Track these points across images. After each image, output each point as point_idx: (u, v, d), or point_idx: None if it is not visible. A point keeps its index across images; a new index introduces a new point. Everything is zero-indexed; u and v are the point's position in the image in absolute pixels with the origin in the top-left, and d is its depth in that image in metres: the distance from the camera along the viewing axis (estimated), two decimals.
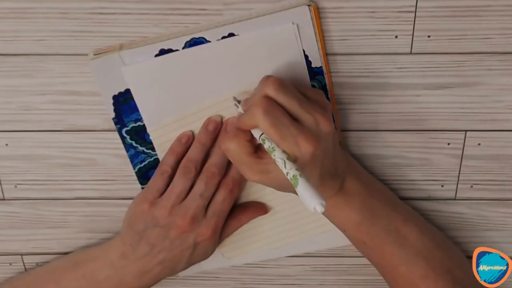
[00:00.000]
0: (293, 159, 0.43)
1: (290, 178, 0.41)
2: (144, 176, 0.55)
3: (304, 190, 0.40)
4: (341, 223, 0.52)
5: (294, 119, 0.44)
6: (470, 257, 0.57)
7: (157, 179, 0.52)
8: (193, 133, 0.53)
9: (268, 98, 0.44)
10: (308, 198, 0.40)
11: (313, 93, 0.47)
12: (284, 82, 0.45)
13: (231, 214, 0.54)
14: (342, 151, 0.51)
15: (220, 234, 0.54)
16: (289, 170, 0.42)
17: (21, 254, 0.59)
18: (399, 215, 0.52)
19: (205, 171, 0.51)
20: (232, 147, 0.46)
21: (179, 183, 0.51)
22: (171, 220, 0.51)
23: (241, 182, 0.53)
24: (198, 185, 0.51)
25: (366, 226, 0.51)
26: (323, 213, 0.50)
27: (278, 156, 0.43)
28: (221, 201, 0.52)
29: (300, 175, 0.41)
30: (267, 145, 0.44)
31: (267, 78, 0.45)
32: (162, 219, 0.51)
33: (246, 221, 0.56)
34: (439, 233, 0.56)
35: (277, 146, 0.44)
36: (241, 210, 0.55)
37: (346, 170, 0.50)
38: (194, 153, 0.52)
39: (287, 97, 0.44)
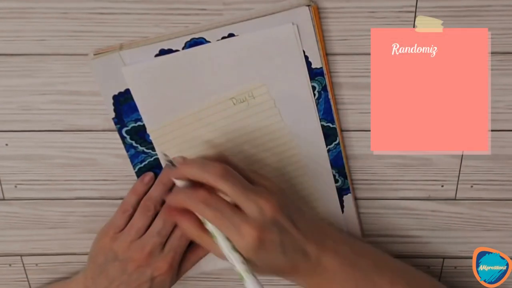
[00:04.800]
0: (239, 248, 0.45)
1: (239, 274, 0.44)
2: None
3: (251, 284, 0.43)
4: None
5: (238, 206, 0.46)
6: (470, 257, 0.57)
7: (118, 217, 0.54)
8: (155, 174, 0.54)
9: (210, 191, 0.46)
10: None
11: (260, 178, 0.49)
12: (229, 170, 0.46)
13: (189, 248, 0.56)
14: (314, 224, 0.51)
15: (179, 268, 0.56)
16: (238, 266, 0.45)
17: (21, 255, 0.59)
18: (385, 279, 0.51)
19: (164, 210, 0.53)
20: (186, 228, 0.49)
21: (139, 220, 0.53)
22: (129, 254, 0.53)
23: None
24: (156, 223, 0.53)
25: None
26: None
27: (222, 239, 0.46)
28: (179, 237, 0.54)
29: (246, 270, 0.44)
30: (209, 227, 0.47)
31: (212, 164, 0.47)
32: (121, 252, 0.53)
33: (204, 255, 0.57)
34: (429, 281, 0.55)
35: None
36: (199, 244, 0.56)
37: (322, 245, 0.49)
38: (155, 192, 0.54)
39: (231, 186, 0.46)
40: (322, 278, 0.50)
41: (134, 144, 0.53)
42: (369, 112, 0.53)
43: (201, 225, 0.48)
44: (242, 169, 0.49)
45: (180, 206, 0.48)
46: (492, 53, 0.51)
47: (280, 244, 0.47)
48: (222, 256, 0.47)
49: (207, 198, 0.46)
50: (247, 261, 0.45)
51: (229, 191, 0.46)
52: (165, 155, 0.51)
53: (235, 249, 0.45)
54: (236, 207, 0.46)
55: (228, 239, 0.46)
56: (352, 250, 0.52)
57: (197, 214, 0.48)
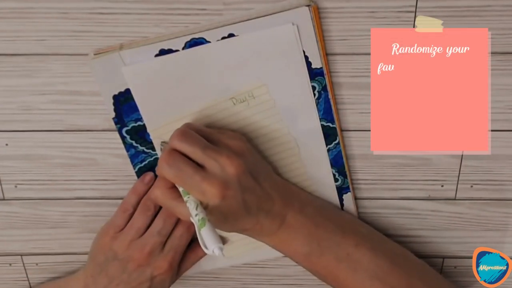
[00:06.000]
0: (205, 206, 0.46)
1: (198, 220, 0.44)
2: None
3: (209, 231, 0.43)
4: (291, 256, 0.53)
5: (201, 165, 0.47)
6: (470, 257, 0.57)
7: (118, 216, 0.54)
8: (155, 173, 0.54)
9: (172, 151, 0.47)
10: (209, 240, 0.43)
11: (228, 137, 0.49)
12: (186, 131, 0.47)
13: (189, 247, 0.56)
14: (282, 185, 0.53)
15: (179, 267, 0.56)
16: (199, 212, 0.44)
17: (21, 255, 0.59)
18: (350, 241, 0.52)
19: (164, 210, 0.54)
20: (157, 195, 0.49)
21: (139, 220, 0.54)
22: (129, 253, 0.53)
23: None
24: (156, 222, 0.54)
25: (316, 257, 0.52)
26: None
27: (191, 199, 0.46)
28: (179, 236, 0.54)
29: (208, 220, 0.44)
30: (180, 189, 0.48)
31: (176, 130, 0.48)
32: (121, 252, 0.53)
33: (204, 254, 0.57)
34: (397, 249, 0.55)
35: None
36: (199, 243, 0.57)
37: (288, 204, 0.51)
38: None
39: (190, 146, 0.47)
40: (285, 236, 0.51)
41: (134, 144, 0.53)
42: (369, 112, 0.53)
43: (174, 195, 0.48)
44: (207, 131, 0.49)
45: (158, 174, 0.49)
46: (492, 53, 0.51)
47: (242, 202, 0.47)
48: (187, 219, 0.47)
49: (170, 158, 0.47)
50: (209, 217, 0.45)
51: (188, 150, 0.47)
52: (165, 142, 0.51)
53: (201, 204, 0.46)
54: (200, 166, 0.47)
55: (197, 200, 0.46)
56: (318, 211, 0.53)
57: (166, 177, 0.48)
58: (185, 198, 0.47)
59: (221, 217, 0.46)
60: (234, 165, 0.47)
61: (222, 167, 0.47)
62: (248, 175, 0.48)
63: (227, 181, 0.46)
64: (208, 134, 0.49)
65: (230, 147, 0.48)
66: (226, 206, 0.46)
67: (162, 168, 0.47)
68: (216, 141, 0.49)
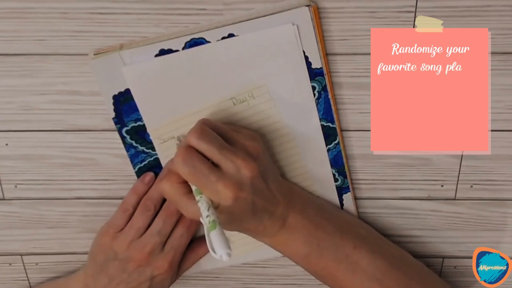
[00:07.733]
0: (216, 205, 0.46)
1: (209, 222, 0.43)
2: None
3: (218, 235, 0.42)
4: (290, 257, 0.53)
5: (217, 165, 0.47)
6: (470, 257, 0.57)
7: (118, 216, 0.54)
8: (155, 173, 0.54)
9: (188, 148, 0.46)
10: (218, 244, 0.42)
11: (245, 137, 0.49)
12: (204, 129, 0.47)
13: (189, 247, 0.56)
14: (286, 186, 0.53)
15: (179, 267, 0.56)
16: (210, 214, 0.44)
17: (21, 255, 0.59)
18: (349, 243, 0.52)
19: (164, 210, 0.54)
20: (165, 188, 0.49)
21: (139, 220, 0.54)
22: (129, 253, 0.53)
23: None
24: (156, 222, 0.54)
25: (315, 258, 0.52)
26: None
27: (203, 199, 0.45)
28: (179, 236, 0.54)
29: (219, 223, 0.43)
30: (193, 188, 0.47)
31: (194, 126, 0.47)
32: (121, 252, 0.53)
33: (204, 254, 0.57)
34: (396, 251, 0.55)
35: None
36: (199, 243, 0.57)
37: (290, 206, 0.51)
38: (154, 192, 0.54)
39: (207, 145, 0.46)
40: (286, 236, 0.51)
41: (134, 144, 0.53)
42: (369, 112, 0.53)
43: (182, 191, 0.48)
44: (224, 129, 0.49)
45: (171, 169, 0.49)
46: (492, 53, 0.51)
47: (252, 204, 0.47)
48: (191, 216, 0.47)
49: (186, 156, 0.46)
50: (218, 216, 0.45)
51: (205, 149, 0.46)
52: (182, 136, 0.51)
53: (213, 204, 0.46)
54: (216, 166, 0.47)
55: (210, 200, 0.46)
56: (319, 213, 0.54)
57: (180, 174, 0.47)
58: (197, 198, 0.46)
59: (229, 218, 0.46)
60: (250, 168, 0.47)
61: (238, 169, 0.46)
62: (260, 177, 0.48)
63: (241, 183, 0.46)
64: (224, 132, 0.48)
65: (246, 148, 0.48)
66: (236, 208, 0.46)
67: (177, 164, 0.46)
68: (233, 140, 0.48)
